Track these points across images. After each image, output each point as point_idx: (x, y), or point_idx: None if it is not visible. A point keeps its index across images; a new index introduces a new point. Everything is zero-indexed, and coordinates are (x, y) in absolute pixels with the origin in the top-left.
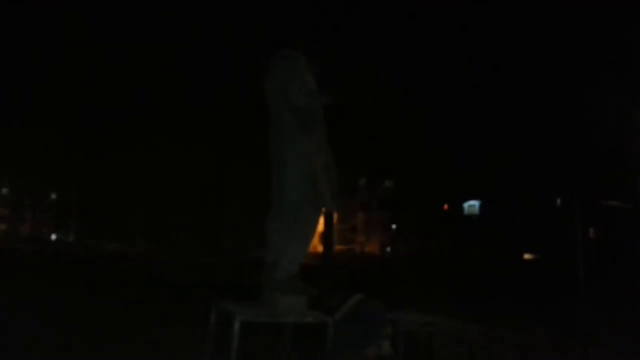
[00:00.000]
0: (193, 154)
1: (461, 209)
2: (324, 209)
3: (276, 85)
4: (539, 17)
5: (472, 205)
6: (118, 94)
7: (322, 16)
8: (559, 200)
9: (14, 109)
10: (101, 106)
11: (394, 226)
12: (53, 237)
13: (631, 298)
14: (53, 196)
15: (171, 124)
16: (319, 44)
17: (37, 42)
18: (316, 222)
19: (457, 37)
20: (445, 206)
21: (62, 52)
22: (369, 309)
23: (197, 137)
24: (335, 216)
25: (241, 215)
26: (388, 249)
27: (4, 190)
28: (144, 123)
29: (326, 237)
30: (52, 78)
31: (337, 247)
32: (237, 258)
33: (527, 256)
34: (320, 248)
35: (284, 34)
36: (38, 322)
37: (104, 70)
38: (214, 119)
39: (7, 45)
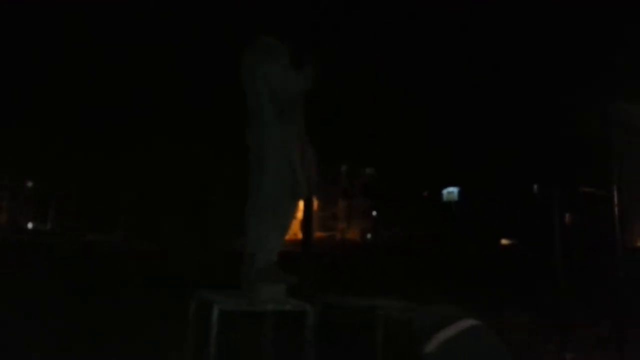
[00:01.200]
0: (188, 153)
1: (440, 195)
2: (302, 197)
3: (252, 74)
4: (519, 10)
5: (450, 191)
6: (114, 92)
7: (321, 15)
8: (535, 187)
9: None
10: (94, 104)
11: (374, 213)
12: (30, 225)
13: (605, 281)
14: (30, 184)
15: (167, 123)
16: (295, 32)
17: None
18: (294, 211)
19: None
20: (425, 193)
21: (51, 50)
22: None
23: (193, 136)
24: (315, 203)
25: (235, 213)
26: (369, 235)
27: None
28: (139, 121)
29: (306, 224)
30: (49, 77)
31: (318, 234)
32: (223, 249)
33: (504, 242)
34: (300, 235)
35: (284, 33)
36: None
37: (98, 68)
38: (212, 119)
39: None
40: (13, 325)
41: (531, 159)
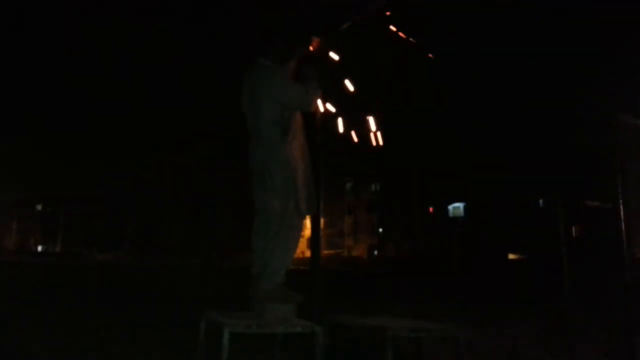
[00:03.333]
0: (186, 160)
1: (446, 211)
2: (307, 215)
3: (254, 94)
4: (523, 17)
5: (456, 207)
6: (109, 98)
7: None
8: (541, 201)
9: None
10: (90, 112)
11: (380, 229)
12: (40, 248)
13: (613, 293)
14: (39, 207)
15: (163, 129)
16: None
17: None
18: (299, 230)
19: (441, 39)
20: (431, 209)
21: (52, 56)
22: None
23: (190, 143)
24: (322, 221)
25: (233, 222)
26: (375, 252)
27: None
28: (135, 129)
29: (314, 242)
30: (41, 84)
31: (325, 252)
32: (226, 266)
33: (511, 256)
34: (308, 253)
35: (284, 35)
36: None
37: (95, 76)
38: (209, 123)
39: None
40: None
41: (536, 173)
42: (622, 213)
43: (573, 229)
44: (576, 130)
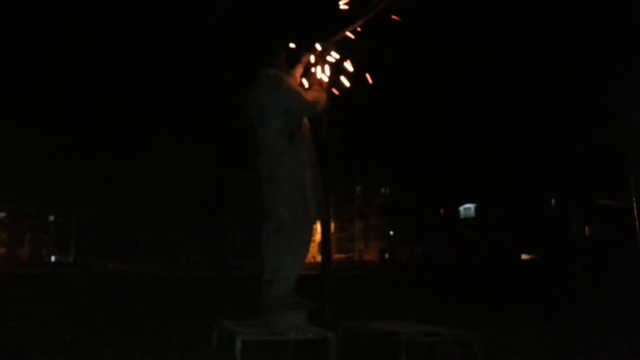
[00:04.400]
0: (196, 163)
1: (457, 212)
2: (316, 221)
3: (261, 103)
4: (535, 17)
5: (467, 208)
6: (117, 96)
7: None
8: (553, 200)
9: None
10: (99, 111)
11: (391, 232)
12: (53, 258)
13: (629, 294)
14: (51, 218)
15: (174, 129)
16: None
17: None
18: (309, 236)
19: (451, 39)
20: (442, 210)
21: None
22: None
23: (200, 144)
24: (332, 225)
25: (243, 226)
26: (387, 255)
27: (1, 215)
28: (146, 128)
29: (324, 247)
30: (51, 85)
31: (336, 256)
32: (239, 274)
33: (524, 257)
34: (319, 258)
35: (289, 34)
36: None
37: (106, 77)
38: (217, 124)
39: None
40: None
41: (548, 172)
42: (635, 212)
43: (587, 228)
44: (589, 129)
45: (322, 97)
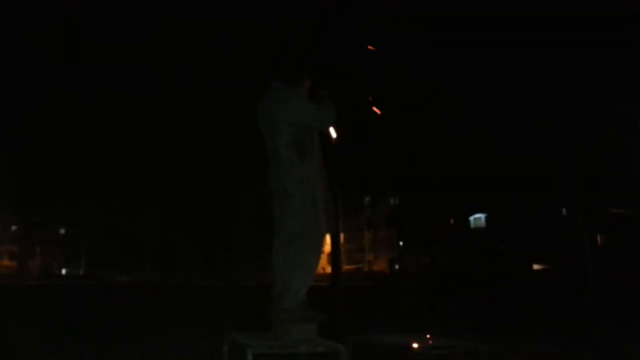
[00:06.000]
0: (204, 180)
1: (467, 222)
2: (326, 234)
3: (271, 115)
4: (539, 26)
5: (478, 218)
6: (122, 101)
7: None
8: (564, 210)
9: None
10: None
11: (401, 243)
12: (63, 271)
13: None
14: (62, 231)
15: (181, 138)
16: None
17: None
18: (320, 248)
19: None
20: (452, 220)
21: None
22: None
23: (207, 153)
24: (341, 236)
25: (258, 246)
26: (396, 266)
27: (13, 228)
28: (151, 135)
29: (334, 259)
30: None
31: (346, 267)
32: (245, 283)
33: (536, 267)
34: (329, 269)
35: (298, 42)
36: None
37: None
38: (226, 132)
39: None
40: None
41: (558, 182)
42: None
43: (598, 237)
44: (599, 137)
45: (332, 108)
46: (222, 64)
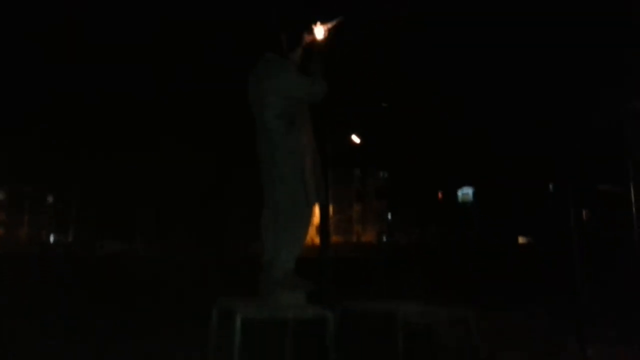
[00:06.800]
0: (196, 155)
1: (455, 196)
2: (315, 205)
3: (261, 87)
4: (539, 26)
5: (465, 192)
6: (121, 91)
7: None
8: (551, 186)
9: (9, 109)
10: (103, 105)
11: (389, 216)
12: (51, 239)
13: (624, 277)
14: (50, 199)
15: (175, 124)
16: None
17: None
18: (309, 218)
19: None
20: (440, 194)
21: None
22: None
23: (200, 138)
24: (330, 208)
25: (243, 213)
26: (384, 238)
27: (1, 195)
28: (147, 123)
29: (322, 229)
30: (52, 78)
31: (334, 238)
32: (238, 255)
33: (521, 240)
34: (317, 240)
35: (285, 26)
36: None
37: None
38: (218, 121)
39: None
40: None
41: (546, 157)
42: (632, 197)
43: (584, 212)
44: (586, 114)
45: (323, 82)
46: (222, 64)
